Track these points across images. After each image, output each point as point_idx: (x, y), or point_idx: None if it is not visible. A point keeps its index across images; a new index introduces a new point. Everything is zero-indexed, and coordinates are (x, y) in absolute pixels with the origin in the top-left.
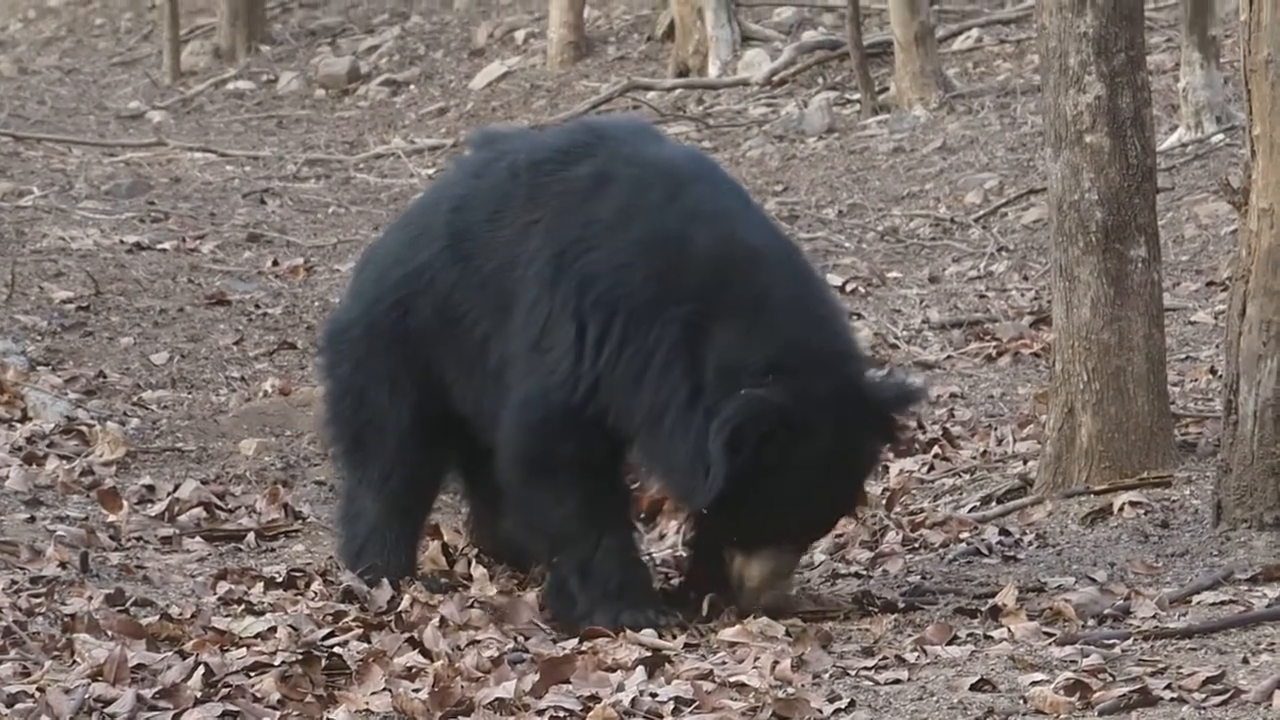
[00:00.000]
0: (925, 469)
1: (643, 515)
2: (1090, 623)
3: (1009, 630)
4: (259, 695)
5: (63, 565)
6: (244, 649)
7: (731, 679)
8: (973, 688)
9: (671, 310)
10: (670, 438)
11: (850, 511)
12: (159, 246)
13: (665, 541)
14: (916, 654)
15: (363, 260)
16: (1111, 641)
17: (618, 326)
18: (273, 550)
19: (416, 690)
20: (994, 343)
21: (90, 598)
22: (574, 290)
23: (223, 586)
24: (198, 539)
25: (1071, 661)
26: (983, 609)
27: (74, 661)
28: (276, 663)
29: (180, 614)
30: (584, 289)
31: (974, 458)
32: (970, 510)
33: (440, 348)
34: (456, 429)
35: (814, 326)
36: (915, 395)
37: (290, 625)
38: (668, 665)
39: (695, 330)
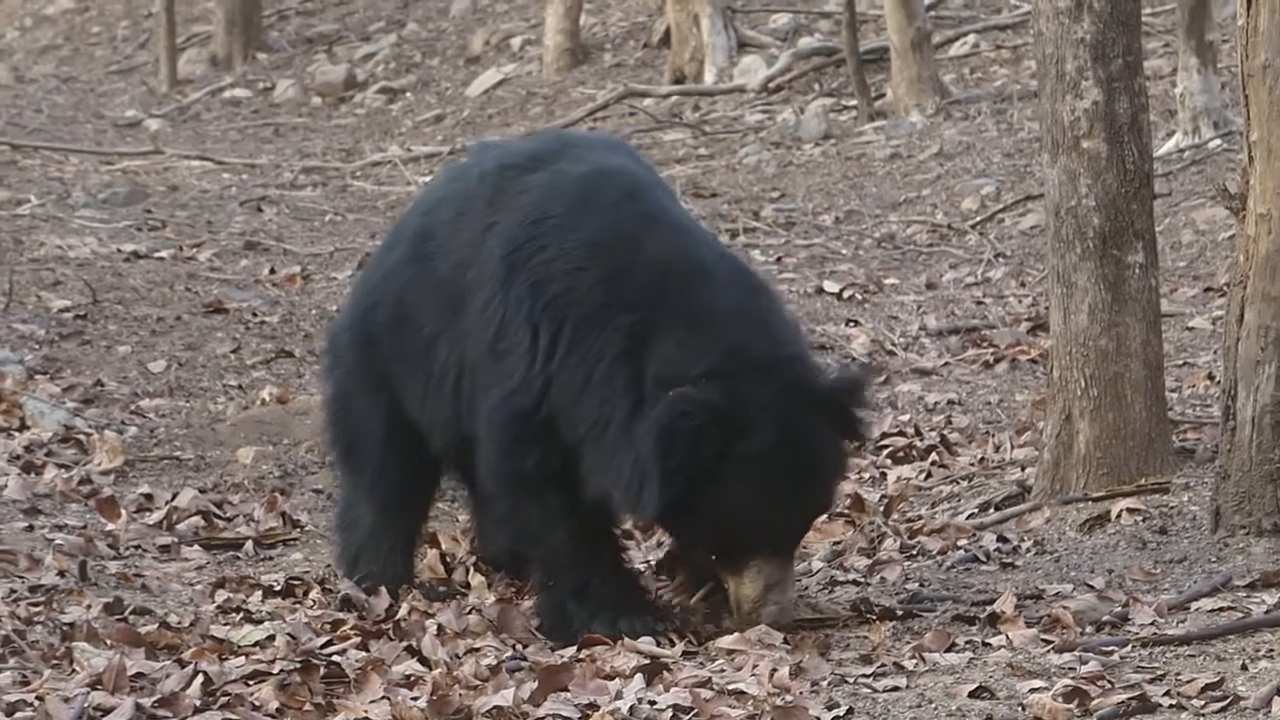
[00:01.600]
0: (923, 476)
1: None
2: (1089, 630)
3: (1007, 637)
4: (258, 704)
5: (61, 574)
6: (243, 657)
7: (730, 686)
8: (971, 695)
9: (619, 319)
10: (614, 451)
11: (821, 510)
12: (156, 255)
13: (662, 548)
14: (915, 661)
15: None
16: (1110, 648)
17: (567, 332)
18: (271, 558)
19: (415, 698)
20: (991, 349)
21: (89, 606)
22: (527, 292)
23: (221, 595)
24: (196, 547)
25: (1070, 669)
26: (981, 616)
27: (73, 670)
28: (275, 671)
29: (179, 622)
30: (536, 291)
31: (972, 465)
32: (968, 517)
33: (391, 348)
34: None
35: (756, 335)
36: (864, 383)
37: (289, 633)
38: (666, 673)
39: (637, 341)
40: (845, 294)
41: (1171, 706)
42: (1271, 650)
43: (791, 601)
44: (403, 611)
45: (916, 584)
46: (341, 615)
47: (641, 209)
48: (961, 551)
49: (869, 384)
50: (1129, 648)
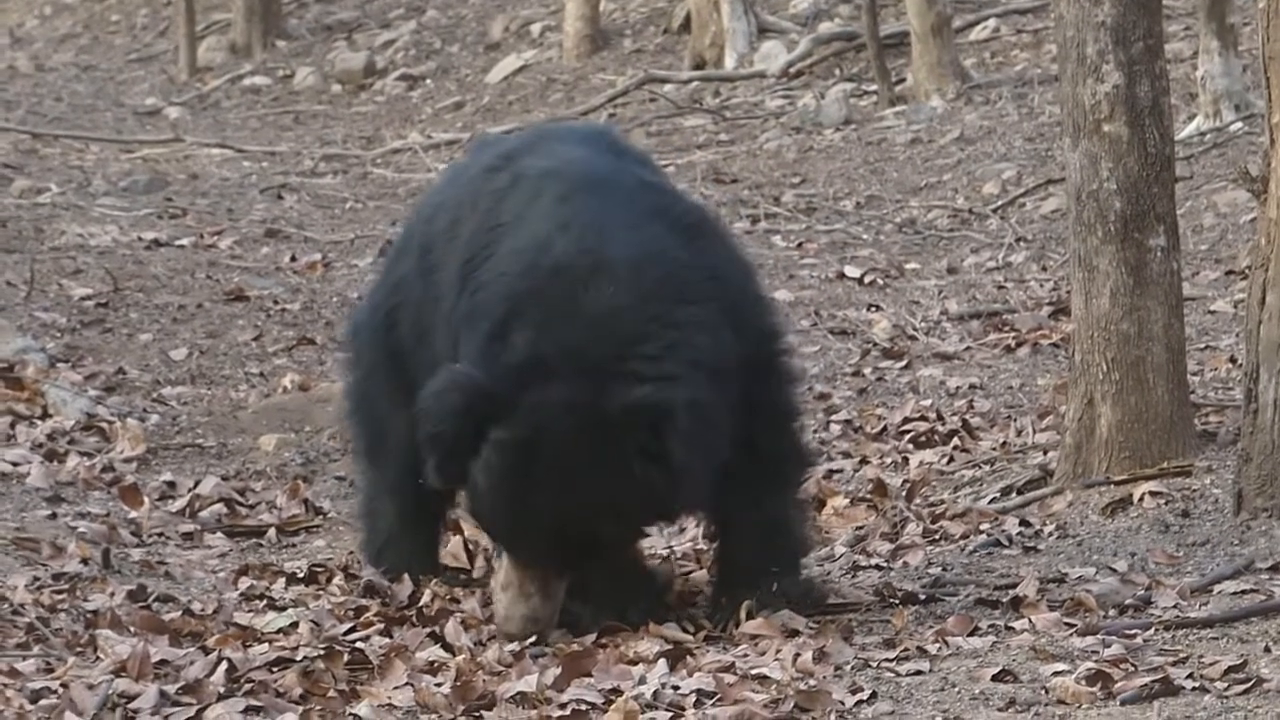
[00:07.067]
0: (945, 461)
1: None
2: (1111, 613)
3: (1030, 621)
4: (281, 690)
5: (84, 561)
6: (266, 644)
7: (753, 671)
8: (994, 679)
9: (482, 324)
10: None
11: (584, 536)
12: (177, 243)
13: (685, 535)
14: (938, 645)
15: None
16: (1133, 631)
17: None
18: (294, 545)
19: (439, 684)
20: (1013, 333)
21: (112, 594)
22: (466, 301)
23: (244, 582)
24: (219, 535)
25: (1093, 652)
26: (1004, 600)
27: (97, 657)
28: (299, 658)
29: (202, 610)
30: (471, 300)
31: (994, 449)
32: (990, 501)
33: (415, 364)
34: None
35: (602, 341)
36: (667, 414)
37: (312, 620)
38: (689, 658)
39: (494, 342)
40: (866, 279)
41: (1194, 689)
42: None
43: (521, 618)
44: (426, 598)
45: (939, 568)
46: (365, 602)
47: (570, 212)
48: (984, 536)
49: (672, 416)
50: (1152, 631)
